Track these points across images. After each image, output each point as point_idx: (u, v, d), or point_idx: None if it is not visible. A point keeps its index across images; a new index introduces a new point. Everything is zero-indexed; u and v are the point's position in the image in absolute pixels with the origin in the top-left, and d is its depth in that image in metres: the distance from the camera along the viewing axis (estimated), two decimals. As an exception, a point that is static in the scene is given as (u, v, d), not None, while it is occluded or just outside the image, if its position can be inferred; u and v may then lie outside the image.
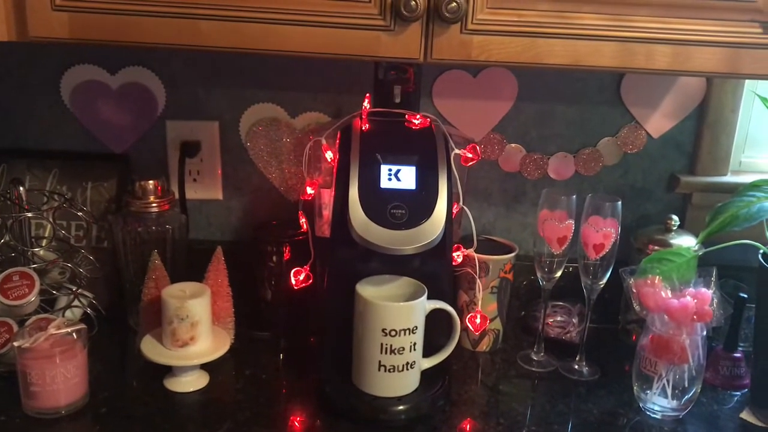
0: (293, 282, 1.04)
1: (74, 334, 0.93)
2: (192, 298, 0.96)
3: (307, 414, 0.96)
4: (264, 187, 1.22)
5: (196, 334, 0.96)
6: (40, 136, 1.20)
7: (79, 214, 1.08)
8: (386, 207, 0.88)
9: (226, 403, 0.98)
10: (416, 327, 0.91)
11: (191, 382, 0.98)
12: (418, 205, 0.89)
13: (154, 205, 1.09)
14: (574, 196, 1.02)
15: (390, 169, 0.91)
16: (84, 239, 1.15)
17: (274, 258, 1.13)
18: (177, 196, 1.16)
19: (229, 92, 1.18)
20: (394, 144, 0.94)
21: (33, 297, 0.97)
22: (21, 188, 1.02)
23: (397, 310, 0.90)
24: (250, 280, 1.15)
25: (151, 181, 1.09)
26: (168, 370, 0.99)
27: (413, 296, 0.92)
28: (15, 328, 0.97)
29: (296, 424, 0.94)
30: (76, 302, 1.06)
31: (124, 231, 1.10)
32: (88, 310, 1.07)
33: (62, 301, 1.05)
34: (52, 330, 0.92)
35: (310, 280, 1.05)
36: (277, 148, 1.20)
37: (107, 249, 1.15)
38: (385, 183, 0.90)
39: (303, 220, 1.07)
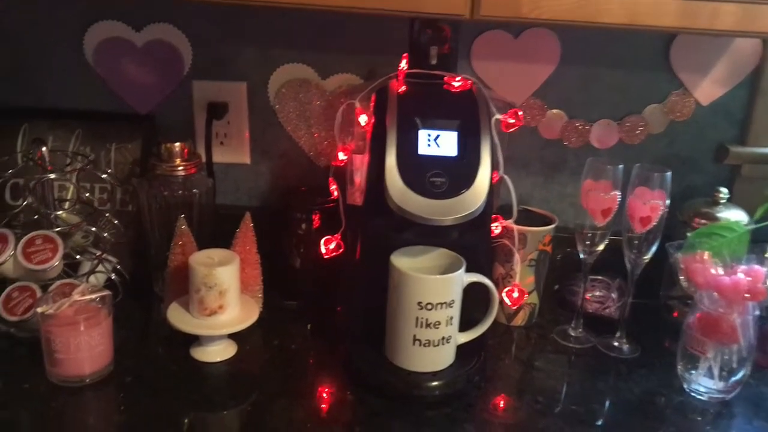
0: (323, 251, 1.00)
1: (99, 300, 0.90)
2: (220, 265, 0.92)
3: (337, 387, 0.93)
4: (293, 152, 1.18)
5: (224, 303, 0.93)
6: (62, 95, 1.16)
7: (104, 176, 1.05)
8: (425, 175, 0.83)
9: (253, 374, 0.96)
10: (453, 301, 0.87)
11: (218, 352, 0.95)
12: (459, 173, 0.84)
13: (180, 168, 1.05)
14: (621, 166, 0.97)
15: (429, 135, 0.86)
16: (108, 203, 1.11)
17: (303, 225, 1.09)
18: (203, 159, 1.12)
19: (257, 52, 1.13)
20: (434, 108, 0.89)
21: (56, 261, 0.94)
22: (44, 148, 0.98)
23: (433, 283, 0.86)
24: (278, 248, 1.11)
25: (177, 144, 1.05)
26: (194, 339, 0.96)
27: (450, 269, 0.88)
28: (38, 293, 0.95)
29: (326, 396, 0.91)
30: (100, 267, 1.03)
31: (149, 195, 1.06)
32: (113, 276, 1.04)
33: (86, 266, 1.02)
34: (76, 296, 0.89)
35: (341, 250, 1.01)
36: (307, 111, 1.15)
37: (131, 213, 1.12)
38: (423, 149, 0.85)
39: (333, 187, 1.02)
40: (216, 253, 0.96)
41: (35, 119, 1.15)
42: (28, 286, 0.95)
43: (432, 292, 0.85)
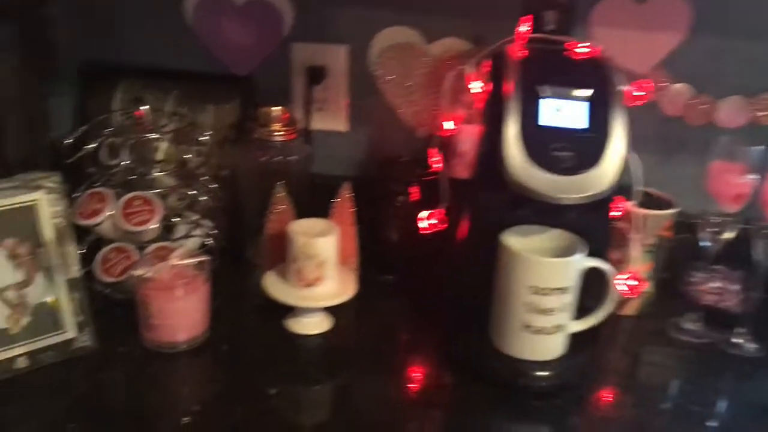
0: (423, 225, 0.95)
1: (197, 266, 0.88)
2: (320, 236, 0.88)
3: (435, 368, 0.88)
4: (391, 120, 1.13)
5: (322, 275, 0.89)
6: (159, 55, 1.14)
7: (203, 138, 1.02)
8: (548, 148, 0.76)
9: (347, 349, 0.92)
10: (570, 286, 0.80)
11: (314, 324, 0.92)
12: (587, 147, 0.77)
13: (279, 133, 1.01)
14: (764, 147, 0.87)
15: (553, 105, 0.79)
16: (203, 166, 1.08)
17: (402, 197, 1.04)
18: (301, 125, 1.08)
19: (360, 14, 1.08)
20: (558, 76, 0.81)
21: (155, 224, 0.92)
22: (144, 108, 0.96)
23: (550, 267, 0.79)
24: (374, 220, 1.06)
25: (277, 108, 1.01)
26: (288, 309, 0.92)
27: (566, 251, 0.81)
28: (135, 255, 0.93)
29: (422, 377, 0.87)
30: (194, 231, 1.00)
31: (245, 159, 1.03)
32: (207, 241, 1.01)
33: (180, 230, 1.00)
34: (174, 260, 0.86)
35: (442, 225, 0.95)
36: (409, 77, 1.10)
37: (227, 177, 1.09)
38: (546, 120, 0.78)
39: (436, 158, 0.96)
40: (315, 223, 0.92)
41: (131, 78, 1.14)
42: (125, 247, 0.93)
43: (548, 276, 0.79)
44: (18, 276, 0.81)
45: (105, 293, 0.94)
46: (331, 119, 1.14)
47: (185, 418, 0.77)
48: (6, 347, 0.80)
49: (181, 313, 0.85)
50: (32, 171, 0.94)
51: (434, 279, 1.04)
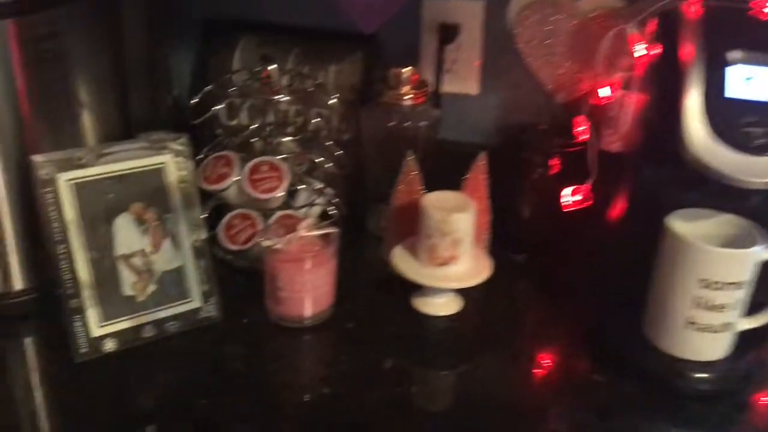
0: (565, 202, 0.87)
1: (325, 237, 0.83)
2: (457, 211, 0.81)
3: (576, 360, 0.81)
4: (528, 84, 1.03)
5: (457, 253, 0.82)
6: (280, 9, 1.08)
7: (332, 101, 0.95)
8: (737, 123, 0.66)
9: (478, 333, 0.86)
10: (746, 281, 0.71)
11: (443, 305, 0.86)
12: (785, 124, 0.66)
13: (408, 96, 0.94)
14: None
15: (743, 73, 0.68)
16: (324, 129, 1.03)
17: (539, 170, 0.96)
18: (431, 88, 1.00)
19: (500, -36, 0.99)
20: (748, 39, 0.70)
21: (282, 191, 0.87)
22: (271, 67, 0.91)
23: (727, 259, 0.70)
24: (506, 193, 0.98)
25: (407, 69, 0.94)
26: (415, 287, 0.86)
27: (741, 240, 0.71)
28: (259, 222, 0.89)
29: (563, 370, 0.80)
30: (317, 199, 0.95)
31: (371, 124, 0.97)
32: (330, 209, 0.96)
33: (302, 197, 0.95)
34: (302, 231, 0.82)
35: (587, 202, 0.87)
36: (552, 37, 0.99)
37: (349, 142, 1.03)
38: (735, 91, 0.68)
39: (583, 128, 0.87)
40: (449, 197, 0.85)
41: (252, 35, 1.09)
42: (250, 214, 0.89)
43: (723, 268, 0.70)
44: (145, 242, 0.78)
45: (227, 260, 0.90)
46: (462, 81, 1.05)
47: (308, 396, 0.73)
48: (133, 315, 0.78)
49: (309, 287, 0.80)
50: (155, 131, 0.91)
51: (573, 261, 0.95)
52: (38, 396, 0.74)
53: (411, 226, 0.86)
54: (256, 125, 0.91)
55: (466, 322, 0.86)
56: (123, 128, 0.91)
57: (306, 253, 0.80)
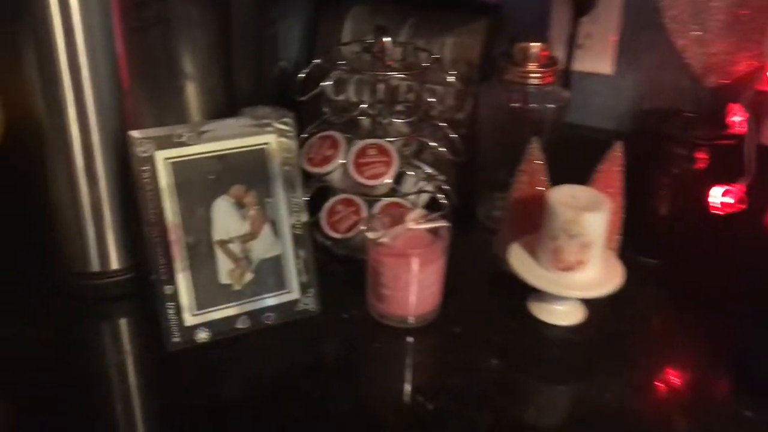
0: (713, 203, 0.75)
1: (435, 231, 0.75)
2: (589, 210, 0.71)
3: (719, 389, 0.70)
4: (671, 64, 0.90)
5: (585, 258, 0.73)
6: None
7: (450, 79, 0.86)
8: None
9: (602, 347, 0.76)
10: None
11: (564, 314, 0.76)
12: None
13: (536, 75, 0.84)
14: None
15: None
16: (438, 109, 0.94)
17: (683, 163, 0.84)
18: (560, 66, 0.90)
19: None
20: None
21: (389, 178, 0.80)
22: (386, 39, 0.83)
23: None
24: (640, 188, 0.87)
25: (536, 44, 0.84)
26: (533, 289, 0.77)
27: None
28: (363, 209, 0.82)
29: (702, 400, 0.69)
30: (426, 186, 0.87)
31: (490, 104, 0.88)
32: (440, 197, 0.88)
33: (409, 182, 0.87)
34: (410, 224, 0.74)
35: (741, 205, 0.75)
36: (705, 11, 0.86)
37: (464, 123, 0.94)
38: None
39: (740, 118, 0.75)
40: (579, 193, 0.74)
41: (364, 3, 1.01)
42: (354, 200, 0.82)
43: None
44: (244, 227, 0.73)
45: (326, 246, 0.84)
46: (595, 59, 0.94)
47: (408, 408, 0.66)
48: (228, 305, 0.73)
49: (414, 286, 0.73)
50: (259, 105, 0.86)
51: (716, 270, 0.83)
52: (127, 381, 0.71)
53: (531, 222, 0.77)
54: (365, 103, 0.84)
55: (588, 334, 0.76)
56: (227, 102, 0.87)
57: (413, 249, 0.72)
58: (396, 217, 0.77)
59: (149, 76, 0.74)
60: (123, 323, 0.78)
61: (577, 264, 0.73)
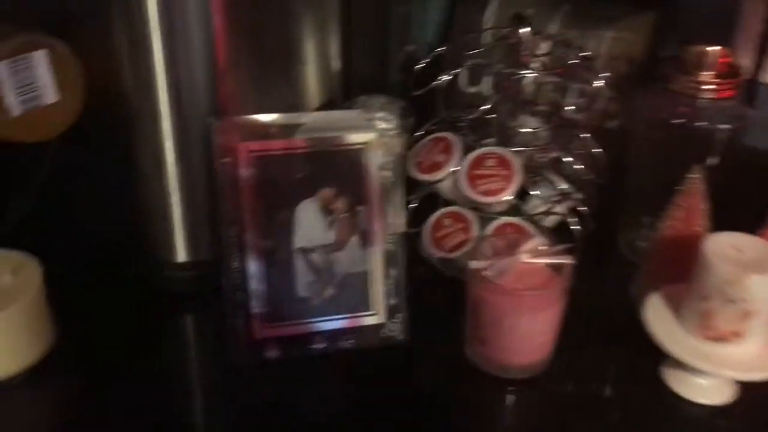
0: None
1: (555, 267, 0.61)
2: (757, 270, 0.55)
3: None
4: None
5: (744, 330, 0.57)
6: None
7: (598, 82, 0.71)
8: None
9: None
10: None
11: (708, 391, 0.61)
12: None
13: (710, 86, 0.68)
14: None
15: None
16: (583, 115, 0.79)
17: None
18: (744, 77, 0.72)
19: None
20: None
21: (507, 196, 0.67)
22: (525, 30, 0.69)
23: None
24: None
25: (714, 48, 0.67)
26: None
27: None
28: (473, 228, 0.70)
29: None
30: (556, 206, 0.74)
31: (648, 115, 0.72)
32: (571, 221, 0.74)
33: (537, 200, 0.73)
34: (525, 256, 0.61)
35: None
36: None
37: (612, 135, 0.79)
38: None
39: None
40: (747, 244, 0.58)
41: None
42: (464, 215, 0.71)
43: None
44: (330, 236, 0.64)
45: (427, 262, 0.73)
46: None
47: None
48: (304, 321, 0.64)
49: (522, 333, 0.60)
50: (376, 94, 0.76)
51: None
52: (187, 386, 0.65)
53: (680, 270, 0.61)
54: (492, 103, 0.71)
55: (738, 419, 0.60)
56: (342, 89, 0.77)
57: (525, 288, 0.60)
58: (511, 242, 0.64)
59: (250, 55, 0.66)
60: (188, 324, 0.72)
61: (732, 335, 0.57)
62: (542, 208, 0.73)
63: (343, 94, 0.77)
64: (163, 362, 0.66)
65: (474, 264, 0.61)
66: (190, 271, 0.72)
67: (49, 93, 0.59)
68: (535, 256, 0.61)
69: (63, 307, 0.65)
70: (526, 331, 0.60)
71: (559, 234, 0.72)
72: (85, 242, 0.74)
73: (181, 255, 0.71)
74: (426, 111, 0.78)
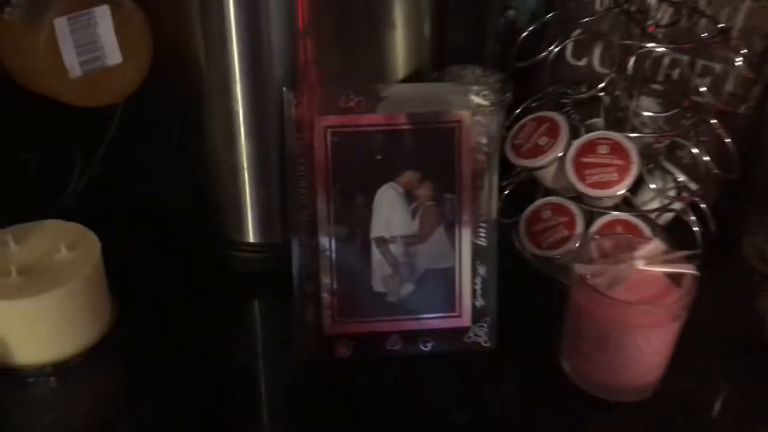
0: None
1: (675, 277, 0.52)
2: None
3: None
4: None
5: None
6: None
7: (738, 59, 0.61)
8: None
9: None
10: None
11: None
12: None
13: None
14: None
15: None
16: (710, 97, 0.68)
17: None
18: None
19: None
20: None
21: (622, 189, 0.58)
22: (651, -5, 0.59)
23: None
24: None
25: None
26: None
27: None
28: (577, 223, 0.61)
29: None
30: (674, 202, 0.64)
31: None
32: (692, 220, 0.64)
33: (650, 193, 0.64)
34: (640, 263, 0.52)
35: None
36: None
37: (744, 121, 0.68)
38: None
39: None
40: None
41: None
42: (567, 208, 0.62)
43: None
44: (412, 226, 0.56)
45: (518, 255, 0.65)
46: None
47: None
48: (379, 318, 0.57)
49: (631, 352, 0.51)
50: (470, 65, 0.68)
51: None
52: (249, 376, 0.59)
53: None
54: (606, 80, 0.62)
55: None
56: (433, 58, 0.69)
57: (639, 301, 0.51)
58: (621, 244, 0.55)
59: (332, 15, 0.59)
60: (256, 308, 0.66)
61: None
62: (657, 203, 0.64)
63: (433, 63, 0.69)
64: (226, 349, 0.61)
65: (580, 268, 0.52)
66: (260, 253, 0.66)
67: (112, 53, 0.53)
68: (653, 263, 0.52)
69: (124, 284, 0.61)
70: (636, 350, 0.51)
71: (672, 234, 0.63)
72: (149, 216, 0.69)
73: (252, 235, 0.65)
74: (523, 86, 0.69)
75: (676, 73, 0.69)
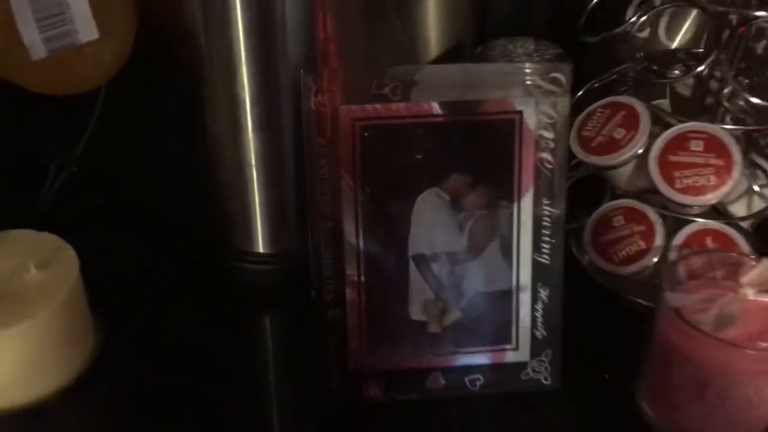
0: None
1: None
2: None
3: None
4: None
5: None
6: None
7: None
8: None
9: None
10: None
11: None
12: None
13: None
14: None
15: None
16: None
17: None
18: None
19: None
20: None
21: (721, 195, 0.47)
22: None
23: None
24: None
25: None
26: None
27: None
28: (658, 234, 0.50)
29: None
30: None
31: None
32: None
33: (745, 197, 0.53)
34: (749, 290, 0.42)
35: None
36: None
37: None
38: None
39: None
40: None
41: None
42: (645, 214, 0.51)
43: None
44: (460, 241, 0.46)
45: (580, 266, 0.55)
46: None
47: None
48: (419, 351, 0.48)
49: (738, 401, 0.41)
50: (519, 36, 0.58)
51: None
52: (261, 420, 0.50)
53: None
54: (699, 57, 0.50)
55: None
56: (473, 31, 0.58)
57: (750, 341, 0.40)
58: (714, 260, 0.44)
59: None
60: (266, 326, 0.57)
61: None
62: (743, 206, 0.53)
63: (475, 36, 0.58)
64: (231, 381, 0.51)
65: (673, 299, 0.41)
66: (271, 265, 0.57)
67: (85, 28, 0.43)
68: (764, 290, 0.42)
69: (110, 304, 0.51)
70: (745, 401, 0.41)
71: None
72: (140, 222, 0.60)
73: (261, 245, 0.56)
74: (586, 68, 0.58)
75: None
